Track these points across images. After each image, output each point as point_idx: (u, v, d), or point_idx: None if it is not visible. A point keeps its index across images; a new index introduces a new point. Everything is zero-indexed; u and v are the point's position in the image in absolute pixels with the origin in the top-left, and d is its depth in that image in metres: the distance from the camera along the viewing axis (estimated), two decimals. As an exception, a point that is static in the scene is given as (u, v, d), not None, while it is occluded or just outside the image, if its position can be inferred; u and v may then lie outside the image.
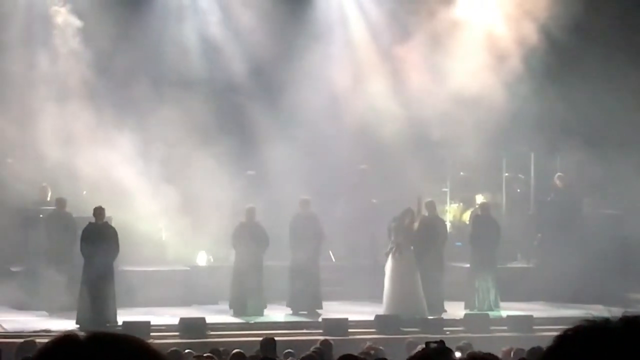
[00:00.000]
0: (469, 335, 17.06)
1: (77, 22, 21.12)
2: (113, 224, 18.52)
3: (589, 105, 21.30)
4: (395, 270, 19.23)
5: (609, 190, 22.03)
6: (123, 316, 17.90)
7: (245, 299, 19.26)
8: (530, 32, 21.78)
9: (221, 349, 13.65)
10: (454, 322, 18.71)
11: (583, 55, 21.86)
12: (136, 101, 20.86)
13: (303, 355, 12.04)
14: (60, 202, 19.85)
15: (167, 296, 19.68)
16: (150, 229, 20.79)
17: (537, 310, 19.88)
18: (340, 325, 17.82)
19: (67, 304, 18.33)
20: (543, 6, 21.62)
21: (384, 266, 19.48)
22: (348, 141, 22.19)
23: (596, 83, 21.38)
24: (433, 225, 20.23)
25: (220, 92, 22.22)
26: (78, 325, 17.56)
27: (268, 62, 22.11)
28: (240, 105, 22.23)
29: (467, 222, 22.75)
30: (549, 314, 19.48)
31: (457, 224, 23.52)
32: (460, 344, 13.66)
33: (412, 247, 19.48)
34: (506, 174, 23.80)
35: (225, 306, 19.51)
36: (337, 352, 11.34)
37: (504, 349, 13.28)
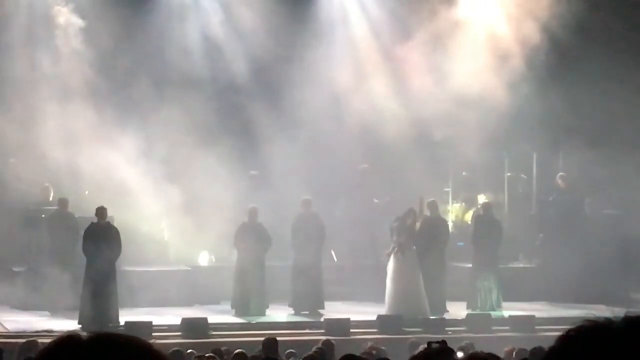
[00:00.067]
0: (471, 335, 17.06)
1: (79, 22, 21.13)
2: (115, 224, 18.53)
3: (591, 105, 21.30)
4: (397, 270, 19.24)
5: (612, 190, 22.02)
6: (125, 316, 17.90)
7: (247, 299, 19.27)
8: (532, 32, 21.78)
9: (223, 349, 13.66)
10: (456, 322, 18.71)
11: (585, 54, 21.85)
12: (138, 101, 20.86)
13: (305, 355, 12.05)
14: (63, 202, 19.86)
15: (169, 296, 19.68)
16: (153, 229, 20.80)
17: (540, 310, 19.88)
18: (342, 325, 17.82)
19: (70, 304, 18.34)
20: (545, 6, 21.61)
21: (385, 266, 19.48)
22: (350, 141, 22.19)
23: (598, 83, 21.37)
24: (435, 225, 20.23)
25: (222, 92, 22.23)
26: (80, 326, 17.57)
27: (270, 62, 22.11)
28: (242, 105, 22.23)
29: (469, 222, 22.74)
30: (551, 314, 19.47)
31: (459, 224, 23.51)
32: (462, 344, 13.66)
33: (414, 247, 19.48)
34: (508, 174, 23.79)
35: (227, 306, 19.52)
36: (339, 352, 11.32)
37: (506, 349, 13.28)
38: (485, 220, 20.68)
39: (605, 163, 20.97)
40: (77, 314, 17.97)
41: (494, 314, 19.48)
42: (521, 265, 22.70)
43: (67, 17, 21.19)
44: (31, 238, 20.15)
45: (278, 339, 14.12)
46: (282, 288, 19.69)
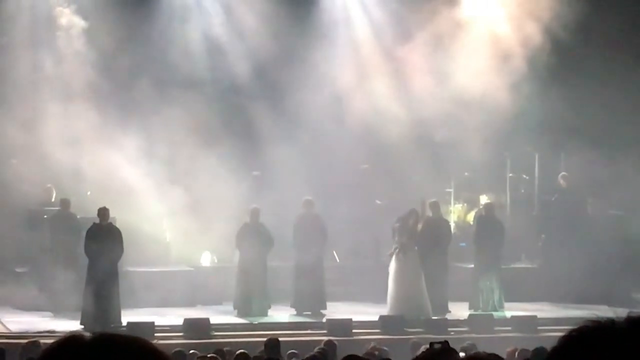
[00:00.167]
0: (473, 335, 17.06)
1: (81, 23, 21.14)
2: (117, 225, 18.54)
3: (593, 105, 21.29)
4: (399, 270, 19.24)
5: (614, 191, 22.01)
6: (127, 317, 17.91)
7: (249, 300, 19.27)
8: (534, 33, 21.77)
9: (225, 349, 13.66)
10: (458, 323, 18.70)
11: (587, 55, 21.85)
12: (140, 102, 20.87)
13: (307, 355, 12.05)
14: (65, 203, 19.87)
15: (171, 297, 19.68)
16: (155, 230, 20.80)
17: (542, 310, 19.87)
18: (344, 326, 17.82)
19: (72, 304, 18.34)
20: (546, 6, 21.60)
21: (387, 267, 19.48)
22: (352, 142, 22.18)
23: (600, 83, 21.37)
24: (437, 226, 20.23)
25: (224, 93, 22.24)
26: (82, 326, 17.58)
27: (271, 63, 22.12)
28: (244, 105, 22.24)
29: (472, 223, 22.74)
30: (553, 315, 19.47)
31: (462, 225, 23.51)
32: (465, 344, 13.65)
33: (416, 248, 19.48)
34: (510, 175, 23.78)
35: (229, 307, 19.52)
36: (341, 353, 11.33)
37: (509, 349, 13.28)
38: (487, 221, 20.68)
39: (607, 163, 20.96)
40: (79, 315, 17.98)
41: (496, 314, 19.48)
42: (523, 265, 22.69)
43: (69, 18, 21.20)
44: (33, 239, 20.15)
45: (280, 339, 14.13)
46: (284, 288, 19.69)
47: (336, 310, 19.61)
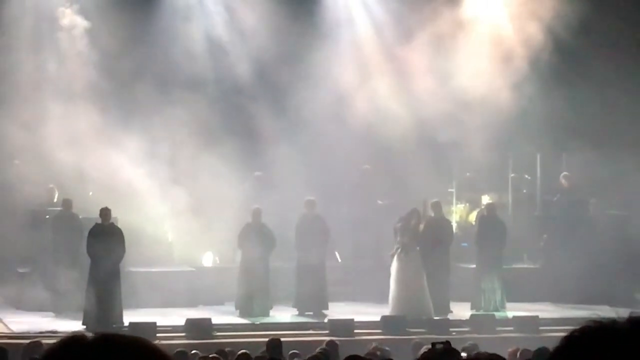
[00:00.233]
0: (475, 336, 17.06)
1: (83, 23, 21.14)
2: (119, 225, 18.55)
3: (595, 105, 21.29)
4: (401, 271, 19.24)
5: (615, 191, 22.00)
6: (129, 317, 17.91)
7: (251, 300, 19.28)
8: (536, 33, 21.76)
9: (227, 349, 13.66)
10: (460, 323, 18.70)
11: (589, 55, 21.84)
12: (142, 102, 20.87)
13: (309, 356, 12.05)
14: (67, 203, 19.88)
15: (173, 297, 19.69)
16: (157, 230, 20.81)
17: (544, 310, 19.87)
18: (346, 326, 17.83)
19: (74, 304, 18.36)
20: (548, 6, 21.59)
21: (389, 267, 19.48)
22: (353, 142, 22.18)
23: (602, 83, 21.36)
24: (439, 226, 20.23)
25: (227, 93, 22.25)
26: (84, 326, 17.58)
27: (273, 63, 22.11)
28: (246, 106, 22.24)
29: (473, 223, 22.74)
30: (555, 315, 19.46)
31: (463, 225, 23.50)
32: (466, 344, 13.66)
33: (417, 248, 19.48)
34: (512, 175, 23.78)
35: (231, 307, 19.52)
36: (343, 353, 11.33)
37: (510, 349, 13.28)
38: (489, 221, 20.68)
39: (609, 163, 20.96)
40: (81, 315, 17.99)
41: (497, 314, 19.47)
42: (525, 265, 22.69)
43: (71, 19, 21.20)
44: (35, 239, 20.15)
45: (282, 339, 14.13)
46: (286, 289, 19.70)
47: (338, 311, 19.61)
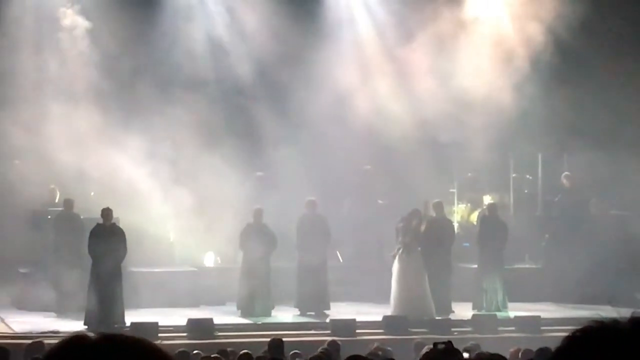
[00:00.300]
0: (477, 336, 17.06)
1: (85, 24, 21.15)
2: (121, 225, 18.55)
3: (596, 105, 21.28)
4: (402, 271, 19.24)
5: (617, 191, 22.00)
6: (131, 317, 17.92)
7: (253, 300, 19.28)
8: (537, 33, 21.76)
9: (229, 349, 13.66)
10: (461, 323, 18.70)
11: (590, 55, 21.83)
12: (143, 102, 20.88)
13: (311, 356, 12.05)
14: (68, 203, 19.89)
15: (174, 297, 19.69)
16: (159, 230, 20.82)
17: (545, 310, 19.86)
18: (347, 326, 17.83)
19: (76, 305, 18.36)
20: (550, 7, 21.59)
21: (391, 267, 19.48)
22: (354, 142, 22.18)
23: (604, 83, 21.36)
24: (440, 226, 20.23)
25: (228, 93, 22.26)
26: (86, 326, 17.59)
27: (274, 64, 22.12)
28: (247, 106, 22.25)
29: (475, 223, 22.74)
30: (557, 315, 19.46)
31: (465, 225, 23.50)
32: (468, 344, 13.65)
33: (419, 248, 19.48)
34: (514, 175, 23.78)
35: (233, 307, 19.53)
36: (345, 353, 11.33)
37: (512, 349, 13.27)
38: (491, 221, 20.67)
39: (611, 164, 20.95)
40: (83, 315, 18.00)
41: (499, 314, 19.47)
42: (527, 265, 22.69)
43: (72, 19, 21.20)
44: (37, 239, 20.18)
45: (284, 339, 14.12)
46: (288, 289, 19.69)
47: (340, 311, 19.61)
